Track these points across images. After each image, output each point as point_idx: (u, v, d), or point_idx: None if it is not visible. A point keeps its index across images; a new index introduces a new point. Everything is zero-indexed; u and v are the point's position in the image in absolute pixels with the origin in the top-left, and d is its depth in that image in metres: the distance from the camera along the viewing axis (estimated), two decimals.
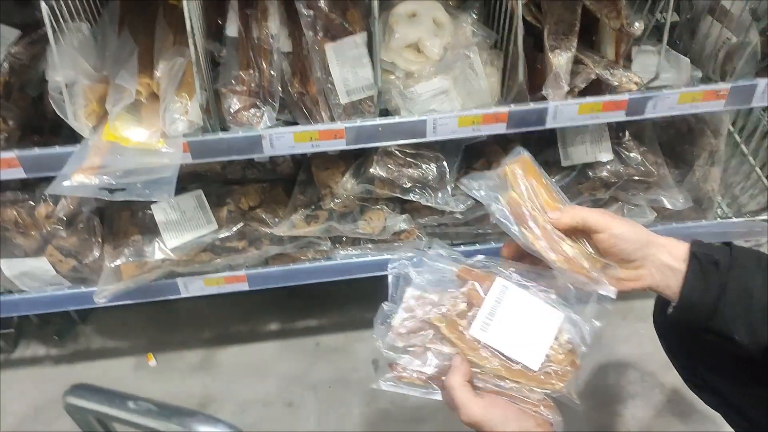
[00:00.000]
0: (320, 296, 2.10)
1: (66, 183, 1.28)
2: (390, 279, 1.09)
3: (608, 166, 1.67)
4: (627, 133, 1.69)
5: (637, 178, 1.68)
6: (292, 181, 1.74)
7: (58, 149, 1.36)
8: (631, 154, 1.68)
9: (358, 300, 2.09)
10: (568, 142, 1.66)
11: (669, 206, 1.73)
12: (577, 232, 1.06)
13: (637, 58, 1.53)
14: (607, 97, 1.44)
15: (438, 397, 1.01)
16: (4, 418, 1.86)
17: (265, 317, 2.09)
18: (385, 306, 1.08)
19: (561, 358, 1.02)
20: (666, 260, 1.02)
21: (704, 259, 1.00)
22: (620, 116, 1.47)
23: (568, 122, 1.46)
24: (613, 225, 1.03)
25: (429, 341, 1.03)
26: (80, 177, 1.28)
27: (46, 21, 1.24)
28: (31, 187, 1.61)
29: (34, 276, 1.64)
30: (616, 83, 1.44)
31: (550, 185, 1.10)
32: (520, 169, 1.08)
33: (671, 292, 1.03)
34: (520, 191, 1.06)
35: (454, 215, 1.67)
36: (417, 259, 1.10)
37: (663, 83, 1.46)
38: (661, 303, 1.21)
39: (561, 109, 1.44)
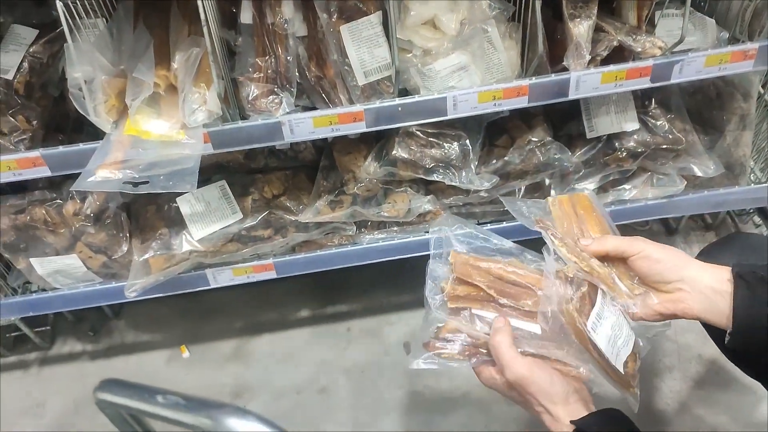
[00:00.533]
0: (349, 281, 2.10)
1: (90, 179, 1.29)
2: (433, 239, 1.13)
3: (635, 136, 1.64)
4: (653, 101, 1.65)
5: (665, 146, 1.65)
6: (315, 167, 1.73)
7: (81, 146, 1.37)
8: (658, 122, 1.64)
9: (386, 284, 2.08)
10: (592, 113, 1.62)
11: (700, 174, 1.69)
12: (616, 262, 1.07)
13: (660, 22, 1.49)
14: (631, 64, 1.41)
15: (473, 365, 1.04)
16: (46, 414, 1.90)
17: (295, 305, 2.09)
18: (431, 264, 1.11)
19: (631, 365, 1.05)
20: (708, 282, 0.99)
21: (750, 278, 0.95)
22: (645, 83, 1.44)
23: (591, 92, 1.43)
24: (648, 247, 1.03)
25: (480, 305, 1.06)
26: (104, 172, 1.28)
27: (63, 19, 1.24)
28: (58, 185, 1.62)
29: (66, 273, 1.66)
30: (640, 49, 1.40)
31: (604, 221, 1.15)
32: (568, 201, 1.15)
33: (721, 317, 0.98)
34: (559, 216, 1.13)
35: (479, 194, 1.65)
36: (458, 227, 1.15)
37: (688, 47, 1.42)
38: (715, 334, 1.14)
39: (583, 80, 1.40)
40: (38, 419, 1.89)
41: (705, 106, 1.76)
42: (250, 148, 1.44)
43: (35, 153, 1.37)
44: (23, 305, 1.72)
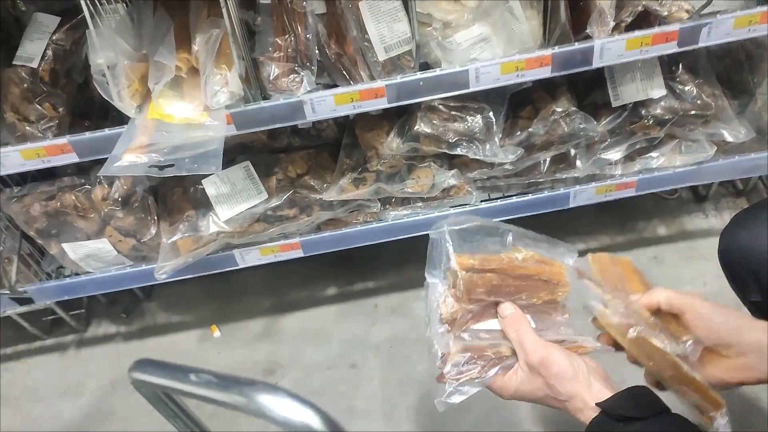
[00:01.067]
0: (375, 258, 2.11)
1: (117, 164, 1.30)
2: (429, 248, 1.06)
3: (662, 103, 1.60)
4: (680, 66, 1.61)
5: (693, 112, 1.61)
6: (337, 145, 1.73)
7: (107, 131, 1.39)
8: (686, 88, 1.61)
9: (412, 259, 2.09)
10: (618, 81, 1.59)
11: (730, 139, 1.66)
12: (669, 318, 1.01)
13: None
14: (657, 29, 1.37)
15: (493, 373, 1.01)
16: (84, 394, 1.95)
17: (322, 282, 2.11)
18: (429, 289, 1.06)
19: None
20: None
21: None
22: (672, 48, 1.40)
23: (616, 60, 1.41)
24: (698, 304, 0.97)
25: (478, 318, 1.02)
26: (130, 156, 1.30)
27: (84, 5, 1.25)
28: (86, 171, 1.65)
29: (97, 257, 1.70)
30: (666, 13, 1.37)
31: (649, 281, 1.08)
32: (608, 259, 1.08)
33: None
34: (601, 270, 1.06)
35: (504, 167, 1.63)
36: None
37: (716, 9, 1.38)
38: None
39: (607, 47, 1.38)
40: (77, 399, 1.94)
41: (734, 70, 1.71)
42: (272, 128, 1.44)
43: (63, 140, 1.39)
44: (58, 289, 1.76)
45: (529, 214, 1.74)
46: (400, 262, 2.10)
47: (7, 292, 1.71)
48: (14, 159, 1.40)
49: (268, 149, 1.74)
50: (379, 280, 2.08)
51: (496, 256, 1.03)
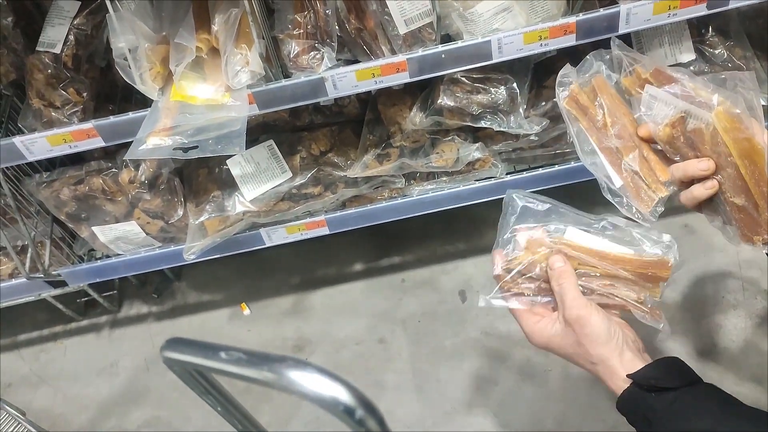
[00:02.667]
0: (401, 233, 2.11)
1: (142, 147, 1.31)
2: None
3: (691, 67, 1.56)
4: (710, 29, 1.57)
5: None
6: (360, 121, 1.72)
7: (131, 115, 1.39)
8: (716, 51, 1.56)
9: (438, 234, 2.08)
10: (645, 46, 1.56)
11: (764, 103, 1.61)
12: None
13: None
14: None
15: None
16: (120, 373, 1.99)
17: (349, 259, 2.12)
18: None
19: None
20: None
21: None
22: (701, 11, 1.36)
23: (643, 24, 1.37)
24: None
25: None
26: (155, 139, 1.31)
27: None
28: (113, 154, 1.67)
29: (126, 239, 1.72)
30: None
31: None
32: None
33: None
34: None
35: (529, 138, 1.61)
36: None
37: None
38: None
39: (634, 11, 1.34)
40: (113, 378, 1.99)
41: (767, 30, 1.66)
42: (294, 107, 1.44)
43: (88, 124, 1.40)
44: (90, 272, 1.80)
45: (555, 185, 1.72)
46: (426, 236, 2.10)
47: (42, 275, 1.75)
48: (42, 145, 1.42)
49: (291, 128, 1.74)
50: (406, 255, 2.08)
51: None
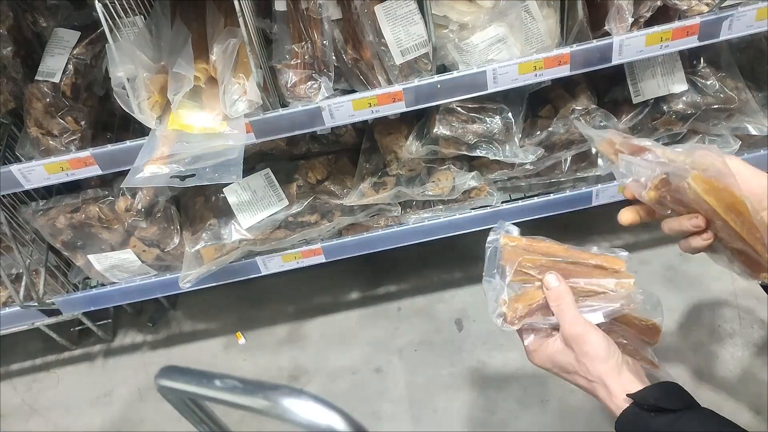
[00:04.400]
0: (397, 262, 2.10)
1: (139, 175, 1.32)
2: (487, 252, 1.07)
3: (683, 98, 1.58)
4: (701, 60, 1.59)
5: (716, 106, 1.59)
6: (357, 150, 1.73)
7: (129, 143, 1.40)
8: (708, 82, 1.58)
9: (434, 262, 2.08)
10: (638, 77, 1.58)
11: (755, 132, 1.63)
12: None
13: None
14: (677, 24, 1.36)
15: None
16: (114, 403, 1.97)
17: (345, 287, 2.11)
18: (485, 283, 1.07)
19: None
20: None
21: None
22: (692, 42, 1.39)
23: (636, 56, 1.39)
24: (741, 165, 0.97)
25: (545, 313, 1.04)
26: (152, 168, 1.31)
27: (102, 19, 1.26)
28: (110, 183, 1.67)
29: (122, 268, 1.71)
30: (685, 7, 1.35)
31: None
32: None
33: None
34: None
35: (525, 167, 1.62)
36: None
37: (737, 0, 1.36)
38: None
39: (626, 43, 1.36)
40: (107, 408, 1.96)
41: (758, 61, 1.69)
42: (292, 135, 1.45)
43: (86, 153, 1.41)
44: (85, 300, 1.79)
45: (551, 213, 1.72)
46: (422, 265, 2.10)
47: (36, 304, 1.73)
48: (39, 173, 1.43)
49: (288, 156, 1.75)
50: (402, 283, 2.08)
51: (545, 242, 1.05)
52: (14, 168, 1.41)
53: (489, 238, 1.07)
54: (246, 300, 2.14)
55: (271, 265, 1.74)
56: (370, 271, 2.12)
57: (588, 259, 1.04)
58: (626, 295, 1.00)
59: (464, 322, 1.93)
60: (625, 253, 1.04)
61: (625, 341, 1.05)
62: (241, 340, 2.05)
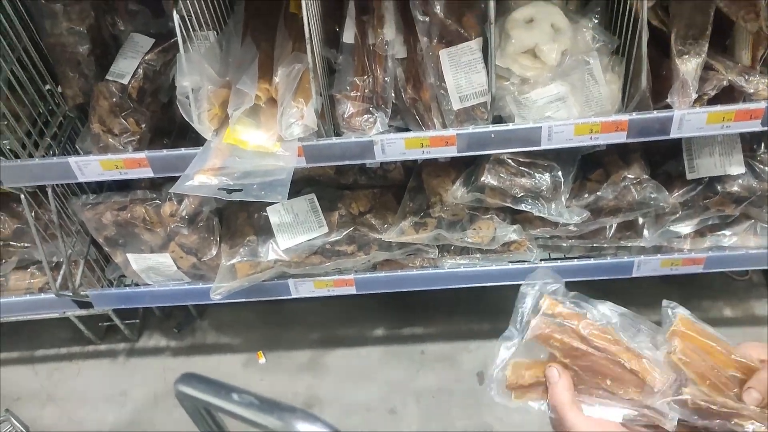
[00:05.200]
0: (426, 304, 2.09)
1: (189, 183, 1.35)
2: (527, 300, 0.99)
3: (739, 180, 1.55)
4: (762, 145, 1.57)
5: None
6: (402, 187, 1.74)
7: (183, 151, 1.43)
8: (767, 168, 1.55)
9: (464, 309, 2.06)
10: (695, 154, 1.56)
11: None
12: None
13: None
14: (741, 106, 1.34)
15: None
16: (127, 403, 1.98)
17: (371, 322, 2.10)
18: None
19: None
20: None
21: None
22: (755, 126, 1.36)
23: (695, 132, 1.37)
24: None
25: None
26: (202, 177, 1.34)
27: (178, 31, 1.31)
28: (159, 186, 1.71)
29: (158, 271, 1.74)
30: (752, 90, 1.34)
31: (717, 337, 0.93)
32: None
33: None
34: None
35: (568, 227, 1.61)
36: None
37: None
38: None
39: (687, 118, 1.35)
40: (120, 407, 1.98)
41: None
42: (340, 165, 1.47)
43: (141, 154, 1.45)
44: (118, 297, 1.82)
45: (588, 278, 1.70)
46: (452, 310, 2.08)
47: (70, 294, 1.77)
48: (94, 168, 1.47)
49: (334, 184, 1.76)
50: (429, 326, 2.06)
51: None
52: (72, 160, 1.45)
53: (526, 285, 0.99)
54: (272, 320, 2.15)
55: (303, 289, 1.75)
56: (398, 308, 2.11)
57: (629, 360, 0.93)
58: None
59: (486, 376, 1.89)
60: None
61: None
62: (262, 360, 2.05)
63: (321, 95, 1.36)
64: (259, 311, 2.16)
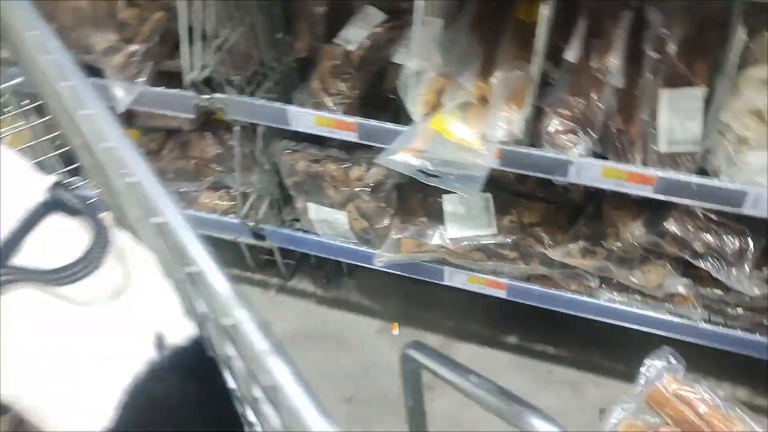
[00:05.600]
0: (567, 326, 2.07)
1: (392, 157, 1.44)
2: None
3: None
4: None
5: None
6: (577, 209, 1.75)
7: (391, 126, 1.53)
8: None
9: (603, 344, 2.03)
10: None
11: None
12: None
13: None
14: None
15: None
16: None
17: (508, 328, 2.13)
18: None
19: None
20: None
21: None
22: None
23: None
24: None
25: None
26: (405, 155, 1.43)
27: (417, 13, 1.39)
28: (351, 149, 1.82)
29: (331, 225, 1.87)
30: None
31: None
32: None
33: None
34: None
35: (742, 296, 1.55)
36: None
37: None
38: None
39: None
40: None
41: None
42: (531, 175, 1.50)
43: (353, 119, 1.56)
44: (288, 238, 1.97)
45: (746, 352, 1.63)
46: (590, 341, 2.05)
47: (252, 223, 1.94)
48: (308, 121, 1.60)
49: (512, 190, 1.80)
50: (563, 349, 2.06)
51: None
52: (292, 109, 1.59)
53: (649, 363, 1.01)
54: (414, 297, 2.23)
55: (456, 279, 1.81)
56: (538, 323, 2.11)
57: None
58: None
59: (608, 415, 1.88)
60: None
61: None
62: (395, 331, 2.14)
63: (532, 105, 1.40)
64: (405, 286, 2.23)
